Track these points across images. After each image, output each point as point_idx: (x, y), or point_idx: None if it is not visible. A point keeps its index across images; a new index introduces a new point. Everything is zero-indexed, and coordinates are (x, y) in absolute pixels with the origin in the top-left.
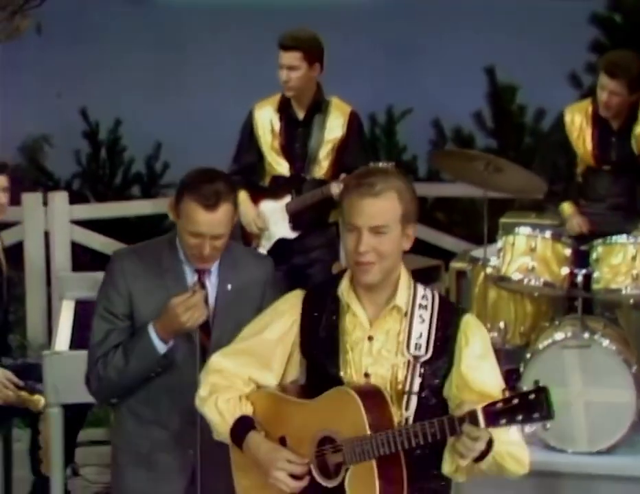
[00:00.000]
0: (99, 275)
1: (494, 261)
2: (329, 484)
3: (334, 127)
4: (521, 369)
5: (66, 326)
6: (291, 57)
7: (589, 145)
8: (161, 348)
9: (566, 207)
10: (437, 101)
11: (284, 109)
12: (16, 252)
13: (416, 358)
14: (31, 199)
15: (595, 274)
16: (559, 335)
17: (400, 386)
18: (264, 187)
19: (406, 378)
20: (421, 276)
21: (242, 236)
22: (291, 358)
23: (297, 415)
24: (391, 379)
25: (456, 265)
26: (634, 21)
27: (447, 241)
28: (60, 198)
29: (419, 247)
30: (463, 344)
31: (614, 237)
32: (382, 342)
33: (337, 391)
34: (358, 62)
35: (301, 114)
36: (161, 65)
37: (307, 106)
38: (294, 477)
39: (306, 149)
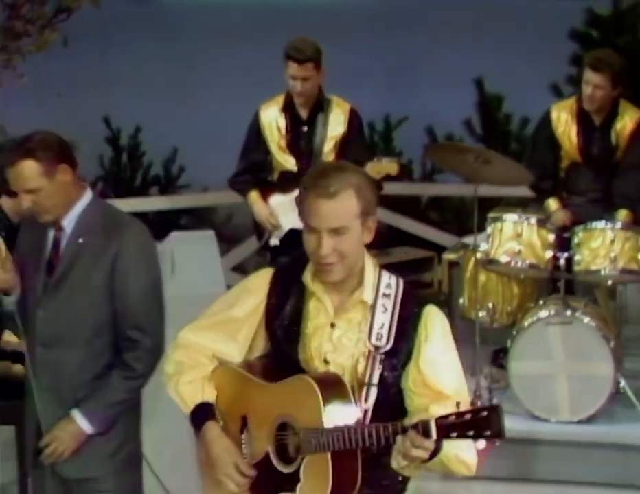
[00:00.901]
0: None
1: (483, 246)
2: (286, 469)
3: (336, 124)
4: (508, 344)
5: None
6: (305, 69)
7: (574, 139)
8: None
9: (552, 203)
10: (431, 110)
11: (289, 109)
12: None
13: (377, 348)
14: None
15: (577, 257)
16: (543, 313)
17: (359, 377)
18: (272, 182)
19: (366, 369)
20: (416, 266)
21: (255, 228)
22: (257, 336)
23: (259, 396)
24: (351, 368)
25: (448, 256)
26: (609, 36)
27: (440, 237)
28: (87, 195)
29: (415, 241)
30: (423, 337)
31: (593, 223)
32: (343, 330)
33: (299, 379)
34: (358, 75)
35: (304, 114)
36: (177, 78)
37: (310, 106)
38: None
39: (311, 145)
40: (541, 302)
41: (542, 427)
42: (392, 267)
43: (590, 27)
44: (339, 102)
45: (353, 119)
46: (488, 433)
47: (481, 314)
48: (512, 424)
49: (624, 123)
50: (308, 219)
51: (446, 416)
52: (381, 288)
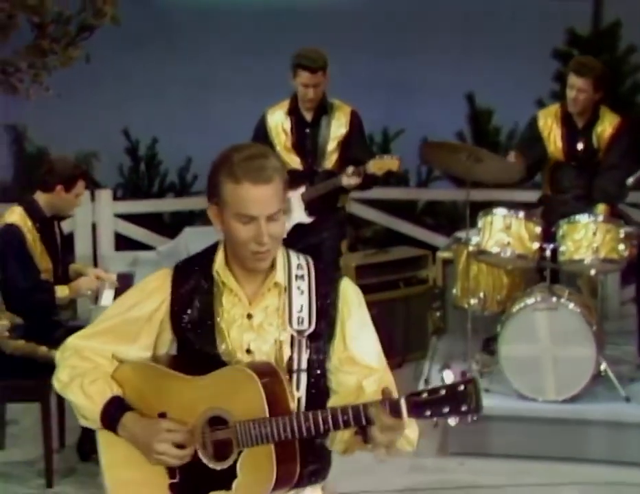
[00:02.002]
0: (136, 253)
1: (475, 239)
2: (218, 466)
3: (339, 125)
4: (498, 329)
5: (109, 293)
6: (317, 77)
7: (559, 142)
8: None
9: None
10: (426, 123)
11: (294, 112)
12: (67, 241)
13: (300, 332)
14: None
15: (561, 248)
16: (530, 300)
17: (286, 364)
18: None
19: (292, 355)
20: (412, 264)
21: None
22: (160, 336)
23: (181, 391)
24: (276, 355)
25: (442, 254)
26: (589, 55)
27: (434, 239)
28: (105, 195)
29: (412, 243)
30: (345, 313)
31: (577, 217)
32: (261, 318)
33: (232, 369)
34: (359, 91)
35: (309, 116)
36: (191, 94)
37: (314, 109)
38: (179, 446)
39: (316, 145)
40: (529, 290)
41: (530, 406)
42: (390, 265)
43: (571, 47)
44: (341, 106)
45: (355, 120)
46: (465, 408)
47: (472, 302)
48: (502, 403)
49: (604, 127)
50: (242, 208)
51: (418, 393)
52: (293, 270)
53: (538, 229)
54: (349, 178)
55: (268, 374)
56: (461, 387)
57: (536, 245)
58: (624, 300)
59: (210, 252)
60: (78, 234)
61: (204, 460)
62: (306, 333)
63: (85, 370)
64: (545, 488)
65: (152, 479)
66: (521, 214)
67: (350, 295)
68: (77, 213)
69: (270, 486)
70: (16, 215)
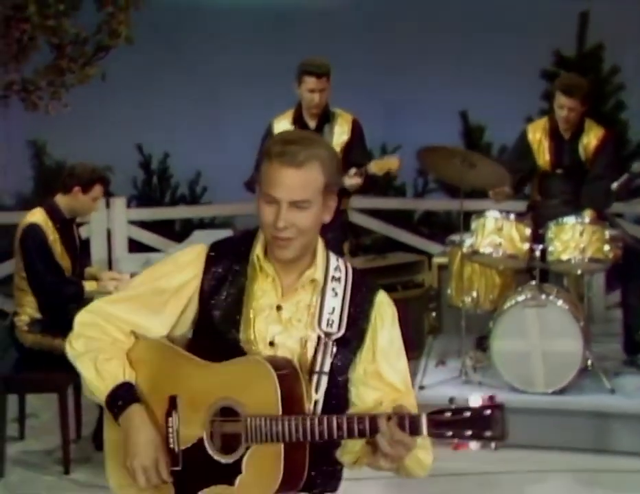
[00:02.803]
0: (147, 255)
1: (468, 241)
2: (223, 459)
3: (341, 133)
4: (490, 325)
5: None
6: (322, 82)
7: (547, 154)
8: None
9: None
10: (422, 139)
11: (299, 120)
12: (84, 245)
13: (327, 335)
14: None
15: (550, 248)
16: (521, 298)
17: (308, 364)
18: None
19: (316, 356)
20: (409, 268)
21: None
22: (184, 314)
23: (196, 376)
24: (300, 353)
25: (437, 260)
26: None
27: (430, 247)
28: (119, 203)
29: (409, 251)
30: (378, 325)
31: (565, 218)
32: (291, 312)
33: (250, 360)
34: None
35: (313, 124)
36: (201, 112)
37: (318, 117)
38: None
39: None
40: (519, 289)
41: (520, 397)
42: (388, 269)
43: (558, 68)
44: (343, 114)
45: (356, 128)
46: (489, 434)
47: (466, 301)
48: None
49: (589, 139)
50: (269, 188)
51: (441, 411)
52: (330, 270)
53: (528, 231)
54: (351, 179)
55: (286, 370)
56: (487, 412)
57: (526, 246)
58: (609, 305)
59: (249, 235)
60: (94, 240)
61: (210, 451)
62: (333, 337)
63: (102, 344)
64: (535, 474)
65: None
66: (512, 216)
67: (385, 309)
68: (93, 219)
69: (274, 488)
70: (37, 215)
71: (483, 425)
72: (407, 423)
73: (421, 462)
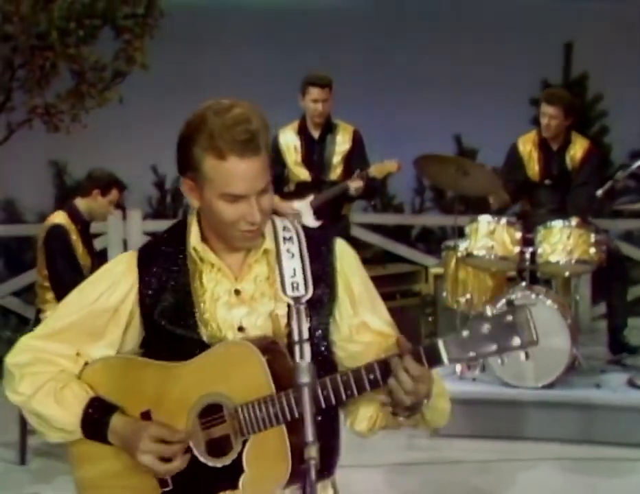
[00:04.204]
0: None
1: (462, 245)
2: (218, 463)
3: (342, 142)
4: None
5: None
6: (325, 93)
7: (536, 165)
8: None
9: None
10: None
11: (303, 131)
12: (101, 256)
13: (296, 299)
14: (114, 215)
15: (539, 251)
16: (511, 297)
17: (285, 336)
18: (289, 192)
19: (290, 325)
20: (407, 278)
21: None
22: (128, 330)
23: (165, 382)
24: (273, 329)
25: (433, 270)
26: None
27: (426, 260)
28: (135, 215)
29: (406, 262)
30: (348, 273)
31: (553, 222)
32: (252, 290)
33: (225, 345)
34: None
35: (316, 134)
36: None
37: (321, 128)
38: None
39: (322, 159)
40: (510, 289)
41: (512, 391)
42: (387, 278)
43: None
44: (344, 125)
45: (356, 138)
46: (518, 342)
47: (460, 302)
48: (487, 389)
49: (576, 150)
50: (232, 186)
51: (456, 333)
52: (279, 233)
53: (519, 234)
54: (353, 182)
55: (267, 346)
56: (509, 318)
57: (517, 249)
58: (594, 316)
59: (178, 228)
60: (111, 250)
61: (202, 459)
62: (304, 299)
63: (50, 375)
64: (527, 462)
65: (138, 490)
66: (503, 220)
67: (349, 254)
68: (110, 230)
69: (284, 478)
70: (60, 217)
71: (507, 334)
72: (423, 354)
73: (441, 410)
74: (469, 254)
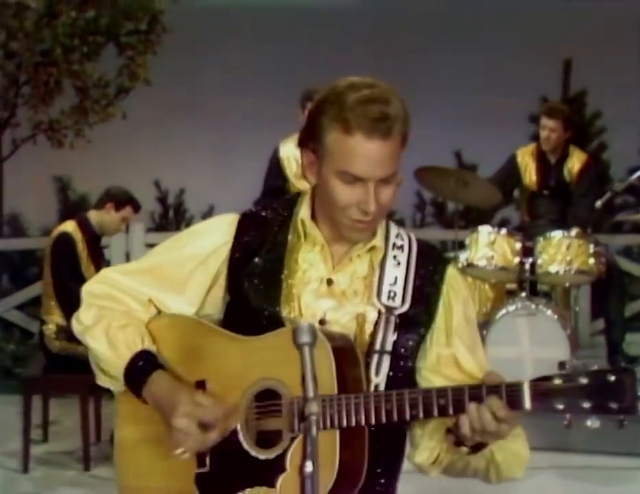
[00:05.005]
0: None
1: (463, 256)
2: (262, 455)
3: None
4: (484, 333)
5: None
6: None
7: (534, 176)
8: None
9: None
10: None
11: None
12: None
13: (389, 309)
14: None
15: (539, 261)
16: (511, 307)
17: (367, 343)
18: None
19: (376, 332)
20: None
21: None
22: (212, 290)
23: (228, 354)
24: (357, 331)
25: None
26: None
27: None
28: (138, 227)
29: None
30: (452, 301)
31: (552, 233)
32: (345, 285)
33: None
34: None
35: None
36: (214, 151)
37: None
38: (205, 426)
39: None
40: (510, 300)
41: None
42: None
43: None
44: None
45: None
46: (615, 406)
47: None
48: None
49: (574, 163)
50: (349, 165)
51: (548, 378)
52: (391, 237)
53: (519, 245)
54: None
55: (342, 346)
56: (612, 377)
57: (517, 259)
58: (594, 332)
59: (289, 201)
60: (114, 261)
61: (246, 446)
62: (396, 312)
63: (114, 312)
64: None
65: (174, 464)
66: (503, 231)
67: (459, 283)
68: (113, 243)
69: (327, 487)
70: (69, 226)
71: (606, 394)
72: (504, 394)
73: (516, 453)
74: (469, 264)
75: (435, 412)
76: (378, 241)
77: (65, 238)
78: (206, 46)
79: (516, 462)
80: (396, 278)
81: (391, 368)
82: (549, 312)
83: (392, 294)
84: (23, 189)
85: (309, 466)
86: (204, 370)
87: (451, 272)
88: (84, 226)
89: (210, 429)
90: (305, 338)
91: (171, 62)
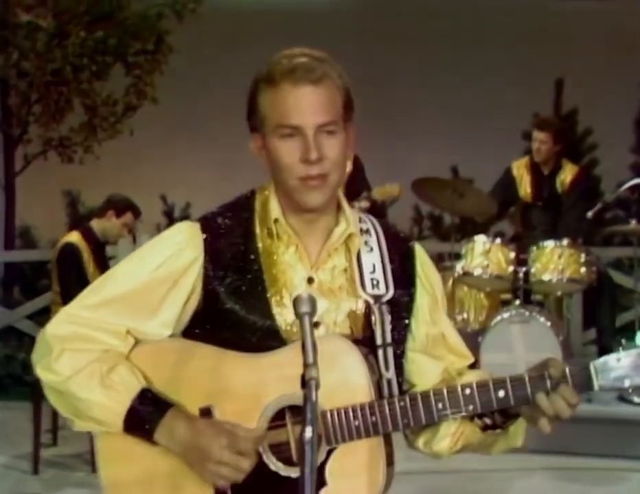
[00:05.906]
0: None
1: (459, 265)
2: (292, 472)
3: None
4: (479, 339)
5: None
6: None
7: (528, 187)
8: None
9: None
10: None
11: None
12: None
13: (377, 298)
14: (125, 238)
15: (532, 270)
16: (506, 314)
17: (364, 339)
18: None
19: (373, 326)
20: None
21: None
22: (186, 306)
23: (235, 374)
24: (351, 328)
25: None
26: None
27: None
28: (145, 239)
29: None
30: (431, 279)
31: (545, 242)
32: (329, 282)
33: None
34: None
35: None
36: (218, 166)
37: None
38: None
39: None
40: (505, 308)
41: None
42: None
43: None
44: None
45: (357, 162)
46: None
47: (457, 320)
48: None
49: (566, 175)
50: (283, 117)
51: (612, 358)
52: (355, 222)
53: (512, 254)
54: (361, 202)
55: (360, 346)
56: None
57: (511, 268)
58: (586, 341)
59: (244, 200)
60: None
61: (274, 467)
62: (384, 299)
63: (93, 354)
64: (519, 472)
65: None
66: (498, 240)
67: (427, 259)
68: (120, 252)
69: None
70: (74, 236)
71: None
72: (569, 377)
73: (521, 423)
74: (465, 273)
75: (495, 405)
76: (352, 227)
77: (70, 248)
78: (211, 67)
79: (521, 431)
80: (374, 265)
81: (395, 360)
82: (542, 319)
83: (375, 282)
84: (34, 202)
85: (308, 432)
86: (203, 394)
87: (418, 247)
88: (88, 235)
89: (246, 457)
90: (305, 308)
91: (177, 81)
